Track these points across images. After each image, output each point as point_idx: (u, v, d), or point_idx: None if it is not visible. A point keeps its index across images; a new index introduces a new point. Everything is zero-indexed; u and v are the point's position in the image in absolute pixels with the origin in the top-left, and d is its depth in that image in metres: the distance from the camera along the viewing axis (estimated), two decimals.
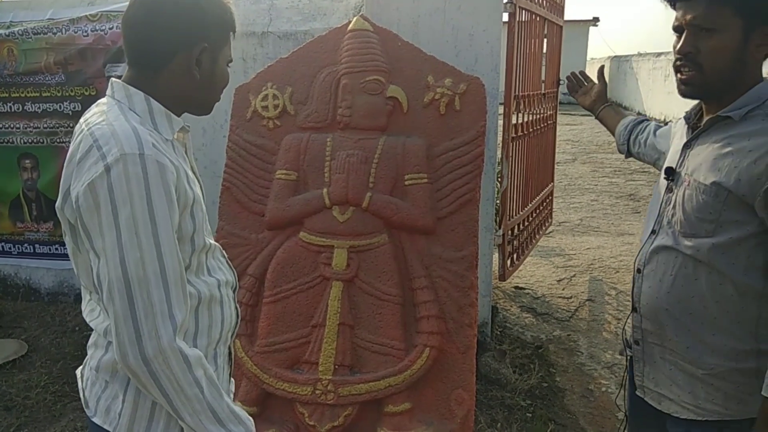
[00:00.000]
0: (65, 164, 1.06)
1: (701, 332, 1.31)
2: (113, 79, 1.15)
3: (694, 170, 1.30)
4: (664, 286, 1.35)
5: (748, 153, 1.21)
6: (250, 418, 1.15)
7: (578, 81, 2.13)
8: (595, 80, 2.10)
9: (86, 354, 1.20)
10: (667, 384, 1.39)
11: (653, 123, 1.78)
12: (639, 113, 15.33)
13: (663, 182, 1.42)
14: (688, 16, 1.26)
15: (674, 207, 1.34)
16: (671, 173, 1.38)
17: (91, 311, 1.17)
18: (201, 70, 1.13)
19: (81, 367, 1.24)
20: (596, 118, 2.03)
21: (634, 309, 1.45)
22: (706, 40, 1.24)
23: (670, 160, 1.42)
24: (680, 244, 1.32)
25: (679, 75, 1.32)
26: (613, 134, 1.91)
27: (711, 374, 1.31)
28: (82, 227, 1.02)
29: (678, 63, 1.31)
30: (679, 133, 1.47)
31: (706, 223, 1.27)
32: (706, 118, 1.35)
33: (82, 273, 1.11)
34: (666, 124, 1.74)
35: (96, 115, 1.09)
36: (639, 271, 1.43)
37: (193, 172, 1.22)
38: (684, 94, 1.33)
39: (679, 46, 1.29)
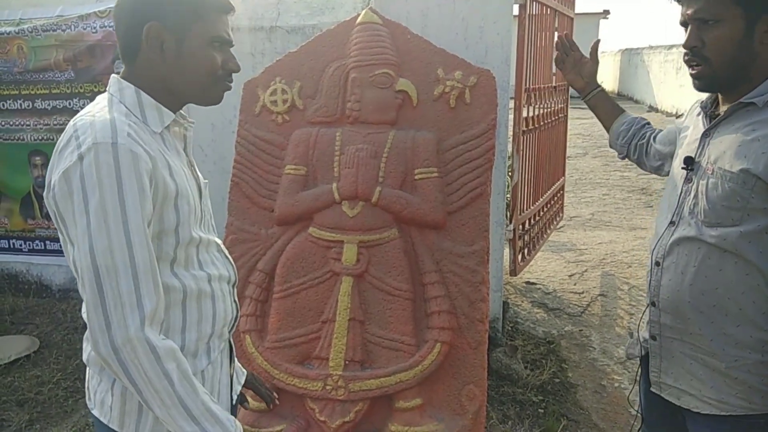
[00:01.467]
0: (52, 155, 1.07)
1: (725, 324, 1.28)
2: (113, 75, 1.16)
3: (717, 158, 1.28)
4: (686, 278, 1.32)
5: None
6: (233, 419, 1.11)
7: (566, 49, 1.88)
8: (581, 54, 1.90)
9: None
10: (687, 379, 1.36)
11: (650, 129, 1.74)
12: (650, 106, 15.19)
13: (680, 172, 1.39)
14: (691, 10, 1.26)
15: (695, 197, 1.32)
16: (690, 163, 1.35)
17: (84, 304, 1.17)
18: (165, 53, 1.10)
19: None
20: (585, 102, 1.86)
21: (652, 303, 1.42)
22: (709, 33, 1.25)
23: (687, 150, 1.39)
24: (704, 234, 1.29)
25: (690, 70, 1.32)
26: (606, 127, 1.81)
27: (735, 367, 1.28)
28: (58, 215, 1.03)
29: (686, 58, 1.31)
30: (693, 124, 1.44)
31: (733, 211, 1.24)
32: (724, 106, 1.33)
33: (70, 263, 1.11)
34: (663, 129, 1.70)
35: (86, 109, 1.11)
36: (658, 264, 1.39)
37: (190, 167, 1.21)
38: (699, 89, 1.33)
39: (684, 41, 1.30)
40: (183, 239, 1.12)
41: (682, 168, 1.37)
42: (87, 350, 1.16)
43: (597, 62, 1.86)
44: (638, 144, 1.72)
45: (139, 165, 1.00)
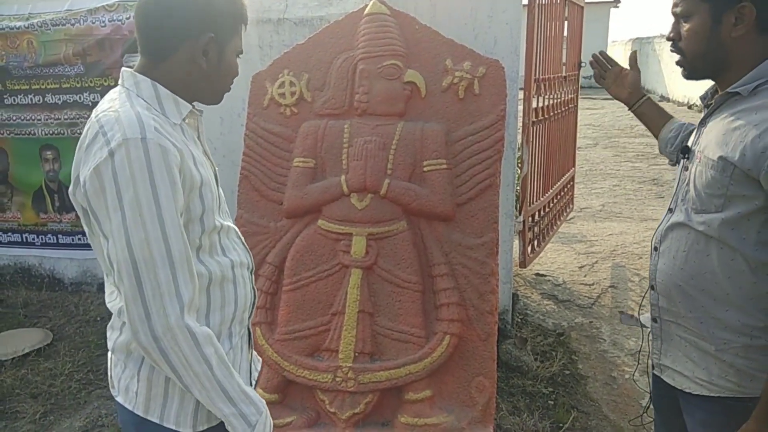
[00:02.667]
0: (76, 151, 1.09)
1: (714, 308, 1.32)
2: (124, 68, 1.17)
3: (705, 146, 1.32)
4: (677, 262, 1.36)
5: (754, 127, 1.22)
6: (262, 400, 1.17)
7: (603, 65, 1.87)
8: (622, 65, 1.88)
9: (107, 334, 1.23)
10: (683, 361, 1.40)
11: None
12: (662, 96, 15.05)
13: (682, 162, 1.44)
14: (672, 6, 1.35)
15: (688, 184, 1.36)
16: (687, 151, 1.40)
17: (110, 294, 1.19)
18: (208, 60, 1.15)
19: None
20: (632, 111, 1.81)
21: (651, 287, 1.46)
22: (683, 27, 1.32)
23: (689, 140, 1.44)
24: (692, 221, 1.33)
25: (676, 61, 1.39)
26: (655, 134, 1.77)
27: (724, 350, 1.32)
28: (91, 211, 1.05)
29: (671, 49, 1.39)
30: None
31: (715, 198, 1.28)
32: (718, 96, 1.38)
33: (99, 256, 1.14)
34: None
35: (105, 102, 1.12)
36: (656, 248, 1.44)
37: (206, 155, 1.23)
38: (684, 77, 1.41)
39: (667, 33, 1.38)
40: (207, 226, 1.16)
41: (682, 157, 1.42)
42: (112, 338, 1.18)
43: (639, 71, 1.82)
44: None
45: (169, 158, 1.03)
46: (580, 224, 5.26)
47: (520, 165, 3.39)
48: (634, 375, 2.81)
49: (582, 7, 4.37)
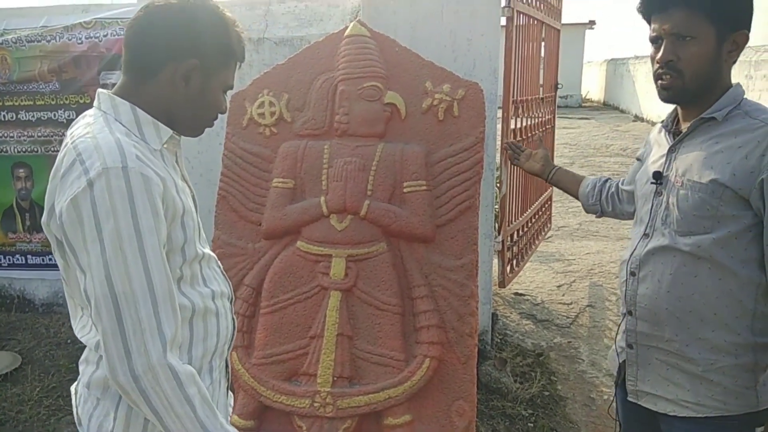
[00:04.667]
0: (50, 179, 1.05)
1: (701, 329, 1.34)
2: (100, 90, 1.13)
3: (685, 171, 1.35)
4: (663, 285, 1.37)
5: (738, 149, 1.27)
6: None
7: (515, 150, 2.29)
8: (530, 149, 2.23)
9: (79, 368, 1.18)
10: (664, 385, 1.40)
11: (612, 180, 1.86)
12: (636, 116, 15.35)
13: (649, 188, 1.45)
14: (666, 26, 1.32)
15: (667, 208, 1.38)
16: (659, 177, 1.42)
17: (82, 327, 1.14)
18: (188, 87, 1.12)
19: (75, 383, 1.21)
20: (548, 181, 2.11)
21: (628, 312, 1.47)
22: (685, 48, 1.31)
23: (654, 166, 1.46)
24: (678, 243, 1.35)
25: (660, 82, 1.38)
26: (574, 196, 1.97)
27: (711, 370, 1.33)
28: (67, 243, 1.00)
29: (659, 71, 1.36)
30: (656, 142, 1.52)
31: (704, 219, 1.31)
32: (685, 123, 1.41)
33: (75, 289, 1.09)
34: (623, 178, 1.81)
35: (81, 127, 1.07)
36: (633, 274, 1.45)
37: (184, 181, 1.20)
38: (665, 99, 1.40)
39: (660, 55, 1.35)
40: (189, 256, 1.12)
41: (651, 183, 1.44)
42: (87, 373, 1.12)
43: (545, 149, 2.17)
44: (608, 196, 1.82)
45: (152, 188, 0.99)
46: (558, 243, 5.30)
47: (499, 185, 3.41)
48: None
49: (558, 30, 4.45)
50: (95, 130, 1.04)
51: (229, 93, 2.47)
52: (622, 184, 1.78)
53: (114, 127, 1.06)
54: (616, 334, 1.58)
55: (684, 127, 1.41)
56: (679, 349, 1.37)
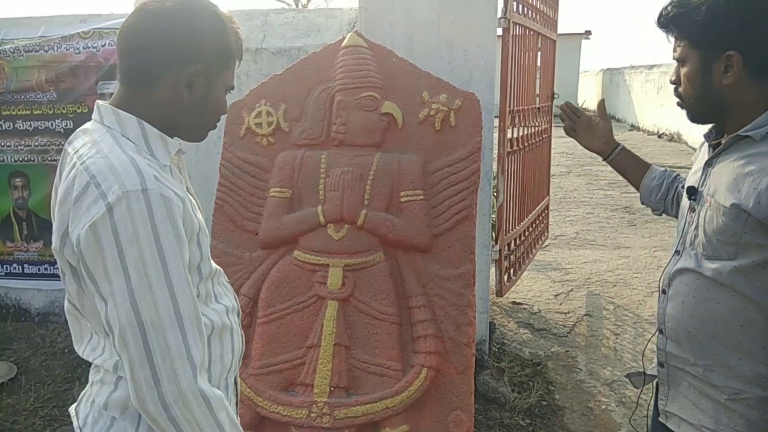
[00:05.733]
0: (58, 202, 1.00)
1: (726, 356, 1.27)
2: (99, 102, 1.09)
3: (715, 190, 1.28)
4: (686, 308, 1.32)
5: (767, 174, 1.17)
6: None
7: (571, 117, 1.83)
8: (589, 116, 1.85)
9: (75, 376, 1.15)
10: (689, 408, 1.35)
11: (680, 179, 1.65)
12: (632, 125, 15.41)
13: (686, 202, 1.39)
14: (672, 51, 1.34)
15: (696, 228, 1.32)
16: (693, 192, 1.35)
17: (92, 350, 1.10)
18: (192, 93, 1.08)
19: (75, 404, 1.17)
20: (608, 162, 1.76)
21: (660, 330, 1.42)
22: (681, 72, 1.32)
23: (692, 180, 1.40)
24: (702, 266, 1.29)
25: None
26: (633, 183, 1.72)
27: (735, 400, 1.27)
28: (85, 271, 0.96)
29: (674, 93, 1.38)
30: (701, 153, 1.45)
31: (727, 245, 1.24)
32: (726, 136, 1.33)
33: (90, 316, 1.05)
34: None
35: (88, 146, 1.01)
36: (664, 291, 1.40)
37: (189, 193, 1.17)
38: (689, 120, 1.38)
39: (670, 76, 1.39)
40: (204, 273, 1.09)
41: (687, 198, 1.37)
42: (103, 393, 1.07)
43: (609, 120, 1.78)
44: (675, 196, 1.64)
45: (172, 210, 0.96)
46: (555, 252, 5.31)
47: (496, 194, 3.42)
48: (613, 407, 2.82)
49: (554, 41, 4.48)
50: (106, 149, 0.99)
51: (228, 103, 2.50)
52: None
53: (124, 144, 1.01)
54: (644, 350, 1.54)
55: (724, 140, 1.33)
56: (703, 374, 1.31)
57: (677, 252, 1.38)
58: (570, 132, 1.84)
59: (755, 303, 1.22)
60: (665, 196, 1.66)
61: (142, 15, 1.05)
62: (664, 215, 1.71)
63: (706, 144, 1.41)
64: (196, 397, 0.94)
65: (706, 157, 1.37)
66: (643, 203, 1.72)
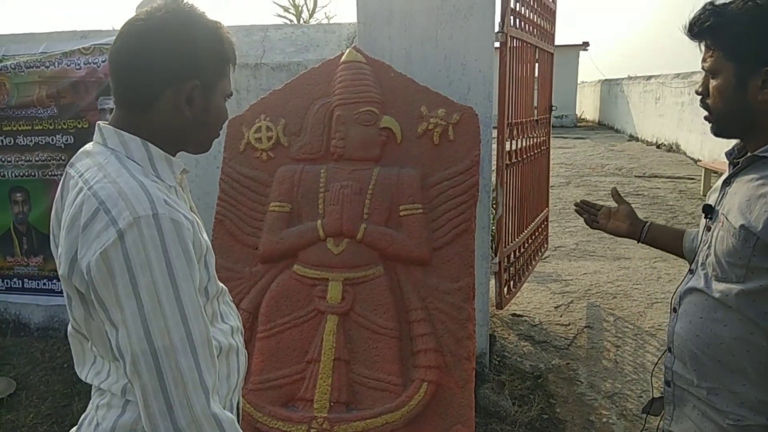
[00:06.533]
0: (65, 227, 0.98)
1: (730, 381, 1.25)
2: (101, 124, 1.07)
3: (729, 210, 1.25)
4: (693, 328, 1.30)
5: None
6: None
7: (590, 211, 1.83)
8: (608, 207, 1.84)
9: (75, 392, 1.14)
10: (692, 430, 1.33)
11: None
12: (631, 135, 15.46)
13: (703, 221, 1.37)
14: (701, 61, 1.29)
15: (709, 248, 1.30)
16: (710, 211, 1.33)
17: (97, 373, 1.10)
18: (193, 108, 1.06)
19: (75, 428, 1.16)
20: (643, 242, 1.71)
21: (669, 349, 1.40)
22: (711, 84, 1.26)
23: (711, 198, 1.37)
24: (710, 287, 1.27)
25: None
26: (676, 253, 1.65)
27: (737, 426, 1.24)
28: (95, 297, 0.95)
29: (699, 104, 1.33)
30: (727, 171, 1.42)
31: (736, 268, 1.21)
32: (744, 155, 1.31)
33: (97, 341, 1.04)
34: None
35: (93, 169, 1.00)
36: (675, 310, 1.38)
37: (192, 212, 1.16)
38: (712, 133, 1.33)
39: (696, 86, 1.33)
40: (211, 294, 1.09)
41: (704, 217, 1.35)
42: (110, 418, 1.06)
43: (627, 203, 1.76)
44: None
45: (183, 233, 0.95)
46: (555, 263, 5.31)
47: (494, 206, 3.43)
48: (614, 420, 2.80)
49: (552, 53, 4.51)
50: (113, 174, 0.97)
51: (227, 118, 2.51)
52: None
53: (130, 167, 1.00)
54: (653, 369, 1.46)
55: (743, 160, 1.30)
56: (707, 396, 1.29)
57: (691, 271, 1.36)
58: (593, 225, 1.82)
59: (762, 329, 1.20)
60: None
61: (132, 35, 1.03)
62: None
63: (727, 162, 1.38)
64: (209, 422, 0.94)
65: (725, 176, 1.34)
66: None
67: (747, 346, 1.22)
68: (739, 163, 1.29)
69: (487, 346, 3.13)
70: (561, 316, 4.12)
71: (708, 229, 1.33)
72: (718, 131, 1.32)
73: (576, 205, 1.85)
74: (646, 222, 1.71)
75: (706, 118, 1.32)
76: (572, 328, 3.93)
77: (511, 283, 3.76)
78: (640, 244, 1.72)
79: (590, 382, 3.23)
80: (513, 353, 3.55)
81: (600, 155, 12.04)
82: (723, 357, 1.25)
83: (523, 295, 4.42)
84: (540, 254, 4.63)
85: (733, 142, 1.38)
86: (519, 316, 4.12)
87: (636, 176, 9.34)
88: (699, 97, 1.32)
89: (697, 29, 1.25)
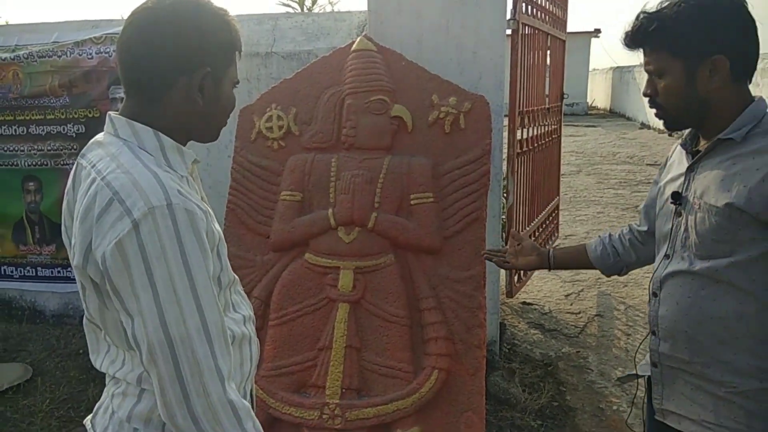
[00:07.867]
0: (79, 218, 0.98)
1: (722, 353, 1.31)
2: (112, 114, 1.07)
3: (703, 193, 1.32)
4: (682, 308, 1.36)
5: (756, 171, 1.24)
6: None
7: (498, 254, 1.95)
8: (509, 247, 1.92)
9: (90, 378, 1.15)
10: (687, 404, 1.39)
11: (619, 231, 1.73)
12: (642, 123, 15.32)
13: (669, 207, 1.43)
14: (644, 63, 1.37)
15: (686, 230, 1.36)
16: (678, 198, 1.39)
17: (111, 362, 1.10)
18: (204, 96, 1.06)
19: (90, 416, 1.17)
20: (552, 269, 1.84)
21: (652, 332, 1.46)
22: (659, 84, 1.34)
23: (674, 186, 1.43)
24: (696, 266, 1.33)
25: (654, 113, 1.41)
26: (587, 266, 1.76)
27: (734, 393, 1.30)
28: (110, 287, 0.95)
29: (649, 104, 1.40)
30: (678, 160, 1.49)
31: (722, 243, 1.28)
32: (703, 142, 1.39)
33: (112, 331, 1.05)
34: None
35: (106, 160, 1.00)
36: (655, 294, 1.44)
37: (204, 201, 1.15)
38: (666, 128, 1.44)
39: (642, 90, 1.41)
40: (224, 284, 1.10)
41: (671, 203, 1.41)
42: (125, 407, 1.07)
43: (527, 239, 1.92)
44: (628, 246, 1.69)
45: (197, 223, 0.96)
46: None
47: (506, 195, 3.42)
48: (625, 408, 2.81)
49: (563, 41, 4.47)
50: (126, 164, 0.98)
51: (238, 107, 2.52)
52: (638, 226, 1.68)
53: (143, 157, 1.00)
54: (636, 351, 1.55)
55: (702, 145, 1.38)
56: (700, 371, 1.35)
57: (666, 256, 1.42)
58: (505, 266, 1.95)
59: (754, 296, 1.27)
60: (617, 253, 1.70)
61: (142, 24, 1.02)
62: (628, 271, 1.75)
63: (683, 152, 1.45)
64: (225, 409, 0.95)
65: (686, 163, 1.41)
66: (606, 274, 1.77)
67: (737, 315, 1.28)
68: (700, 150, 1.36)
69: (497, 334, 3.14)
70: (571, 305, 4.12)
71: (678, 214, 1.39)
72: (673, 125, 1.41)
73: (484, 253, 2.02)
74: (549, 249, 1.84)
75: (657, 115, 1.40)
76: (582, 316, 3.93)
77: (522, 271, 3.76)
78: (551, 271, 1.83)
79: (600, 370, 3.24)
80: (523, 341, 3.56)
81: (611, 143, 11.95)
82: (715, 330, 1.31)
83: (534, 284, 4.42)
84: (551, 242, 4.62)
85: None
86: (529, 304, 4.12)
87: (647, 164, 9.27)
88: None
89: (641, 36, 1.33)
